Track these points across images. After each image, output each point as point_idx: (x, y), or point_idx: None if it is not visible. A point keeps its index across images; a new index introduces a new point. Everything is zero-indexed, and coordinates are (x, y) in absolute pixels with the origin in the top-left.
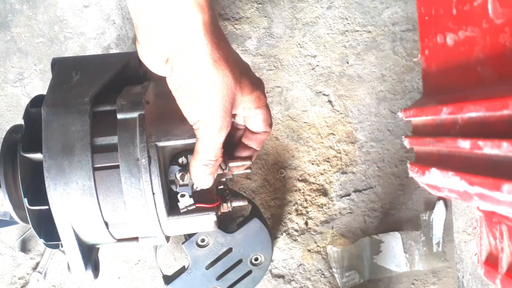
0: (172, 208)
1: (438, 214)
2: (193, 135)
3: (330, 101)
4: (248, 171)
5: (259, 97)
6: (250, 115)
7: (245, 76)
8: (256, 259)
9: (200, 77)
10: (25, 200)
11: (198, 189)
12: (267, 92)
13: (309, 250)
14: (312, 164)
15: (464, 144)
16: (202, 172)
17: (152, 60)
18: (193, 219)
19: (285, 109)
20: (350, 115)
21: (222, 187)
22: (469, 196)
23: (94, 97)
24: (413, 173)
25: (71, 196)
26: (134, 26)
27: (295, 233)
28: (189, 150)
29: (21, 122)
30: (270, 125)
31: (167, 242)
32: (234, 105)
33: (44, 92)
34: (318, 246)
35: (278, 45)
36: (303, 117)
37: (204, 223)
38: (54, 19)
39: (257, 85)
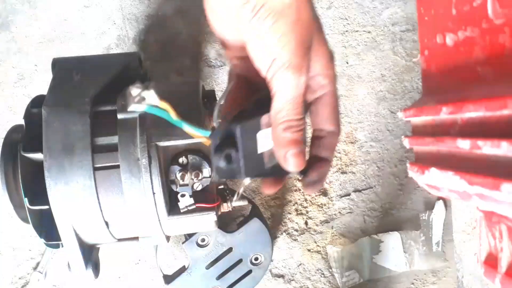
0: (172, 208)
1: (438, 214)
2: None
3: None
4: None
5: (332, 61)
6: (317, 96)
7: (318, 19)
8: (256, 258)
9: (278, 2)
10: (26, 200)
11: (198, 189)
12: None
13: (309, 250)
14: None
15: (464, 144)
16: (287, 141)
17: None
18: (193, 219)
19: None
20: (349, 115)
21: (222, 187)
22: (468, 196)
23: (94, 97)
24: (413, 173)
25: (71, 196)
26: None
27: (295, 233)
28: (189, 150)
29: (22, 122)
30: (340, 123)
31: (167, 241)
32: (310, 52)
33: (45, 92)
34: (318, 246)
35: None
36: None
37: (204, 222)
38: (54, 19)
39: (331, 53)
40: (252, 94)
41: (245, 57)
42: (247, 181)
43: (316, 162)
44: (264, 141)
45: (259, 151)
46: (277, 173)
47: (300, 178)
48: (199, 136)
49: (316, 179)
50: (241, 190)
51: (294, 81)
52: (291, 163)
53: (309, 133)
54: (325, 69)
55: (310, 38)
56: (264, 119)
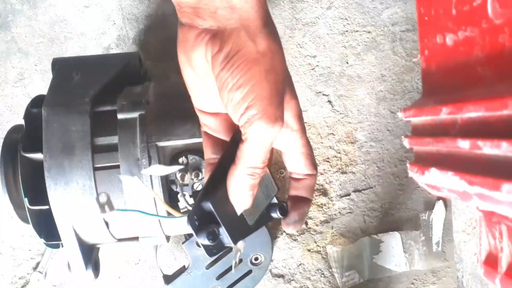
0: (172, 207)
1: (438, 214)
2: (194, 135)
3: (330, 101)
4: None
5: (301, 115)
6: (288, 141)
7: (292, 83)
8: (256, 258)
9: (249, 47)
10: (26, 200)
11: (198, 189)
12: None
13: (309, 250)
14: None
15: (464, 144)
16: (243, 185)
17: (202, 37)
18: None
19: None
20: (349, 115)
21: None
22: (468, 196)
23: (94, 97)
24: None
25: (71, 196)
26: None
27: (295, 232)
28: (189, 150)
29: (22, 122)
30: (315, 165)
31: (167, 241)
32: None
33: (45, 92)
34: (318, 245)
35: None
36: (303, 117)
37: None
38: (54, 19)
39: (300, 107)
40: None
41: (215, 114)
42: (240, 244)
43: (296, 202)
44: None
45: (238, 213)
46: (262, 224)
47: (281, 218)
48: (177, 217)
49: (297, 218)
50: (237, 257)
51: (267, 130)
52: (240, 203)
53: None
54: (296, 123)
55: (283, 88)
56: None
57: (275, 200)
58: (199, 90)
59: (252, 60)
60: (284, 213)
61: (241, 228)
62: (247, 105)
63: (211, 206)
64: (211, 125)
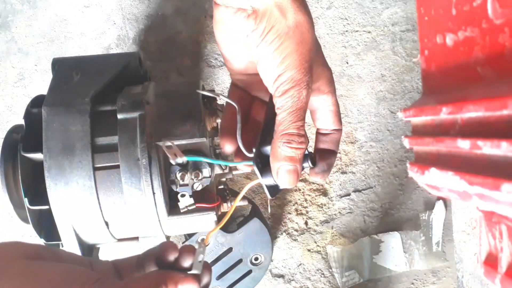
0: (172, 208)
1: (438, 214)
2: (194, 135)
3: None
4: (248, 170)
5: (331, 79)
6: (319, 103)
7: (321, 51)
8: (256, 258)
9: (281, 23)
10: (26, 200)
11: (198, 189)
12: None
13: (309, 250)
14: None
15: (464, 144)
16: (283, 156)
17: (239, 16)
18: (193, 219)
19: None
20: (349, 115)
21: (222, 187)
22: (468, 196)
23: (94, 97)
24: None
25: (71, 196)
26: None
27: (295, 233)
28: (189, 150)
29: (22, 122)
30: (341, 121)
31: None
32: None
33: (45, 92)
34: (318, 246)
35: None
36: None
37: (204, 223)
38: (54, 19)
39: (330, 70)
40: (253, 105)
41: (248, 74)
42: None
43: (324, 154)
44: None
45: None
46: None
47: (311, 168)
48: (246, 165)
49: (325, 168)
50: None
51: (296, 95)
52: (282, 178)
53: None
54: (326, 86)
55: (311, 57)
56: None
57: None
58: (234, 59)
59: (284, 35)
60: (314, 162)
61: None
62: (279, 73)
63: (270, 148)
64: (242, 80)
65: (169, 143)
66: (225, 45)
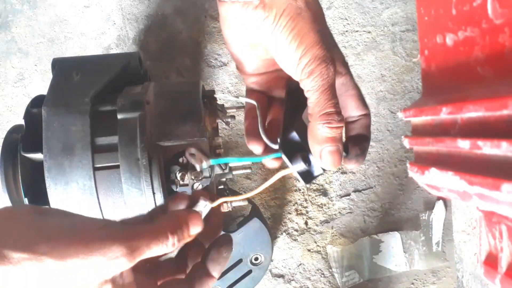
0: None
1: (438, 214)
2: (194, 135)
3: None
4: (248, 171)
5: (345, 61)
6: (338, 88)
7: (329, 30)
8: (256, 258)
9: (292, 6)
10: (26, 200)
11: (198, 189)
12: None
13: (309, 250)
14: None
15: (464, 144)
16: (324, 138)
17: (246, 8)
18: None
19: None
20: None
21: (222, 187)
22: (468, 196)
23: (94, 97)
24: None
25: (71, 196)
26: None
27: (295, 233)
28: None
29: (22, 122)
30: (366, 104)
31: None
32: None
33: (45, 92)
34: (318, 246)
35: None
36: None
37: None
38: (54, 20)
39: (339, 48)
40: (272, 104)
41: (261, 74)
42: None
43: (355, 139)
44: None
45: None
46: None
47: (344, 156)
48: (274, 159)
49: (359, 152)
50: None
51: (324, 72)
52: (327, 160)
53: None
54: (342, 68)
55: (328, 31)
56: (305, 114)
57: None
58: (244, 58)
59: (297, 16)
60: (346, 150)
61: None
62: (301, 55)
63: (296, 134)
64: (256, 82)
65: (192, 151)
66: (234, 43)
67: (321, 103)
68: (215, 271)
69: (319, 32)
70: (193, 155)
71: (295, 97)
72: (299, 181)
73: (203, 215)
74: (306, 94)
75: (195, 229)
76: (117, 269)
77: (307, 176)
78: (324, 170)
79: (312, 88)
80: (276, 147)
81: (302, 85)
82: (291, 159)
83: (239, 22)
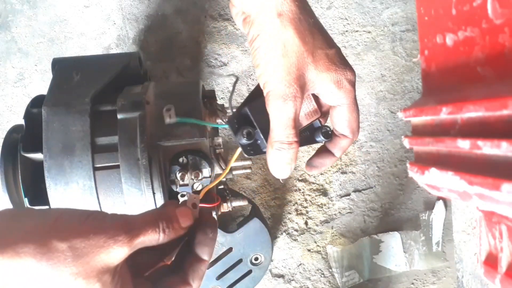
0: None
1: (438, 214)
2: (194, 135)
3: None
4: (248, 171)
5: (340, 83)
6: (331, 104)
7: (322, 49)
8: (256, 258)
9: (265, 33)
10: (26, 200)
11: (198, 189)
12: None
13: (309, 250)
14: None
15: (464, 144)
16: (275, 158)
17: (239, 18)
18: None
19: None
20: None
21: (222, 187)
22: (468, 196)
23: (94, 97)
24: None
25: (71, 196)
26: None
27: (295, 233)
28: (189, 150)
29: (22, 122)
30: (354, 131)
31: None
32: (306, 78)
33: (45, 92)
34: (318, 245)
35: None
36: None
37: None
38: (54, 20)
39: (340, 67)
40: None
41: None
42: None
43: (323, 152)
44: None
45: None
46: (304, 144)
47: (325, 141)
48: (221, 126)
49: (317, 165)
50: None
51: (281, 107)
52: (279, 174)
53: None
54: (335, 86)
55: (299, 67)
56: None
57: (318, 124)
58: None
59: (268, 44)
60: (327, 136)
61: None
62: (264, 82)
63: (247, 110)
64: None
65: (169, 106)
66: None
67: (276, 133)
68: (204, 254)
69: (287, 66)
70: (169, 109)
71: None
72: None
73: (196, 210)
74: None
75: (185, 219)
76: (117, 251)
77: (252, 149)
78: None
79: (271, 116)
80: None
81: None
82: (236, 131)
83: (236, 23)
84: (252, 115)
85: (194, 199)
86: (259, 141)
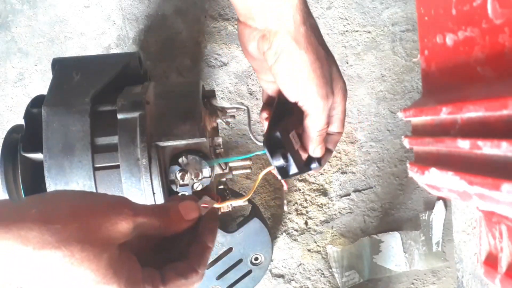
0: None
1: (438, 214)
2: (194, 135)
3: None
4: (248, 171)
5: (345, 89)
6: (332, 112)
7: (334, 64)
8: (256, 258)
9: (290, 54)
10: None
11: (198, 189)
12: None
13: (309, 250)
14: None
15: (464, 144)
16: (319, 141)
17: (250, 37)
18: None
19: None
20: (349, 115)
21: (222, 187)
22: (468, 196)
23: (94, 97)
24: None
25: None
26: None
27: (295, 232)
28: (189, 150)
29: (22, 122)
30: (343, 127)
31: None
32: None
33: (45, 92)
34: (318, 245)
35: None
36: None
37: None
38: (54, 20)
39: (344, 84)
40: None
41: (273, 82)
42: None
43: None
44: (295, 140)
45: (296, 147)
46: (304, 171)
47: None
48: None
49: (321, 161)
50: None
51: (323, 105)
52: (318, 153)
53: None
54: (344, 95)
55: (329, 71)
56: (291, 123)
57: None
58: (257, 68)
59: (296, 56)
60: (320, 162)
61: (299, 160)
62: (295, 100)
63: (279, 135)
64: (268, 88)
65: (204, 206)
66: (248, 56)
67: (319, 124)
68: (209, 241)
69: (319, 71)
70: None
71: (282, 106)
72: (277, 176)
73: (204, 210)
74: (306, 114)
75: (188, 211)
76: (122, 225)
77: (284, 172)
78: (298, 171)
79: (312, 113)
80: (260, 143)
81: (301, 108)
82: (272, 155)
83: (249, 43)
84: (282, 138)
85: (209, 202)
86: (288, 163)
